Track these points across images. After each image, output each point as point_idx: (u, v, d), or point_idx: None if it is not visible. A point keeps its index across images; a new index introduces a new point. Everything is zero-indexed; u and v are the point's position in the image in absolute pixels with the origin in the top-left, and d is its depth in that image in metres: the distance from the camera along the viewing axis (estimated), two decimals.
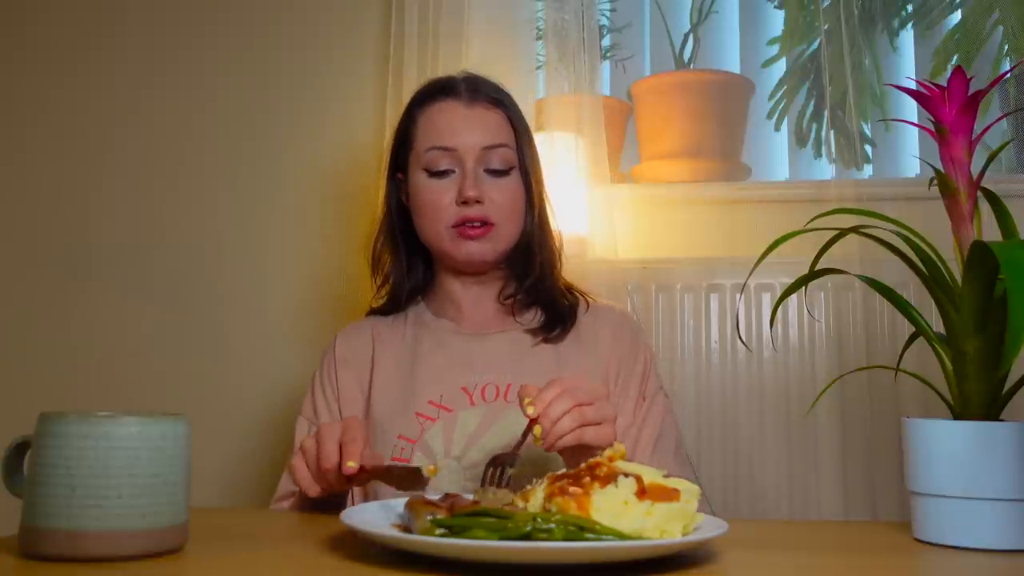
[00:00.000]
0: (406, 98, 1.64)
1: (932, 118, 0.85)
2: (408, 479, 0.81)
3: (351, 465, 0.89)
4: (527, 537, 0.64)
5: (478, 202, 1.16)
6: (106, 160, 1.84)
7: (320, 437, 0.93)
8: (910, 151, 1.81)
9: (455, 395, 1.15)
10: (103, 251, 1.81)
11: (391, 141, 1.28)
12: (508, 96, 1.24)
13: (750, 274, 1.00)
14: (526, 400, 0.90)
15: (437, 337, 1.22)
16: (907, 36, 1.89)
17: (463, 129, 1.17)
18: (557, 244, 1.26)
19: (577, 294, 1.27)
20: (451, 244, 1.17)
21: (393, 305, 1.26)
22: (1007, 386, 0.81)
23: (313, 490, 0.95)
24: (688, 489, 0.70)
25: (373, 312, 1.28)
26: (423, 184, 1.18)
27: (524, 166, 1.21)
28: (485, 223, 1.17)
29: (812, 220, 0.93)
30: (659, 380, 1.24)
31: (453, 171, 1.17)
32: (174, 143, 1.83)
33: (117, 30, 1.87)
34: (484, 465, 0.95)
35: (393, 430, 1.14)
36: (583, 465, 0.73)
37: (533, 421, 0.89)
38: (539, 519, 0.65)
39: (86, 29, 1.87)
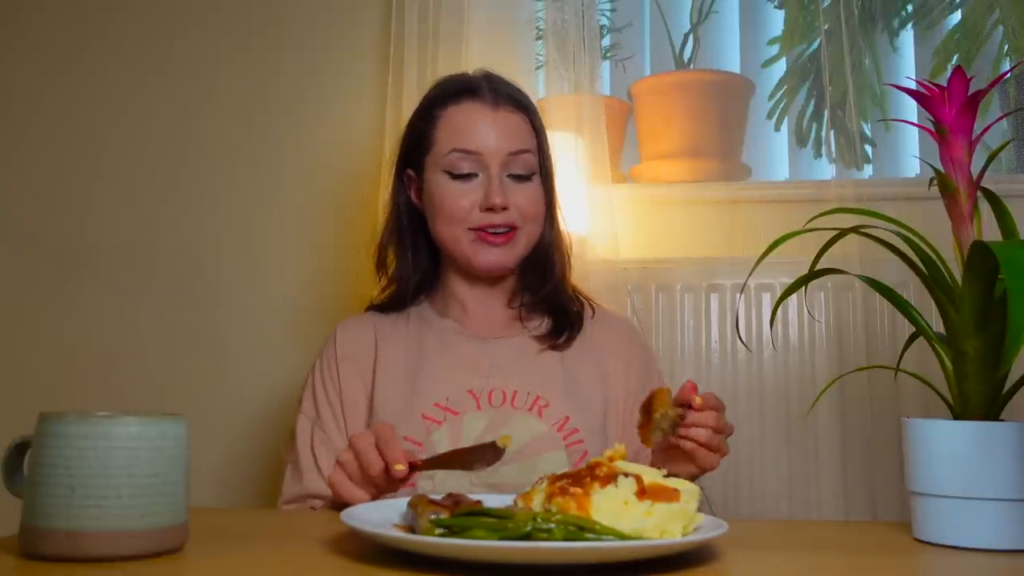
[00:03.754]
0: (406, 98, 1.67)
1: (932, 118, 0.85)
2: (482, 456, 0.80)
3: (399, 468, 0.90)
4: (527, 537, 0.64)
5: (504, 209, 1.15)
6: (104, 160, 1.84)
7: (357, 447, 0.94)
8: (910, 151, 1.81)
9: (461, 398, 1.14)
10: (102, 251, 1.81)
11: (402, 137, 1.26)
12: (529, 99, 1.23)
13: (750, 274, 1.00)
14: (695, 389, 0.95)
15: (442, 337, 1.21)
16: (907, 36, 1.89)
17: (488, 133, 1.16)
18: (568, 250, 1.26)
19: (583, 299, 1.26)
20: (470, 248, 1.17)
21: (398, 303, 1.25)
22: (1007, 386, 0.81)
23: (361, 500, 0.94)
24: (688, 489, 0.70)
25: (374, 308, 1.27)
26: (443, 186, 1.17)
27: (545, 171, 1.21)
28: (509, 228, 1.17)
29: (812, 220, 0.93)
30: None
31: (476, 175, 1.16)
32: (172, 142, 1.83)
33: (114, 29, 1.87)
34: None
35: (398, 431, 1.13)
36: (583, 465, 0.73)
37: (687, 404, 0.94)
38: (539, 519, 0.65)
39: (84, 28, 1.87)
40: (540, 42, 1.77)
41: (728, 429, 0.98)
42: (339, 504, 0.96)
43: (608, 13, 1.85)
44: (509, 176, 1.17)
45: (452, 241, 1.18)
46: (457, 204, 1.16)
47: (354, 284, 1.71)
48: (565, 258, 1.25)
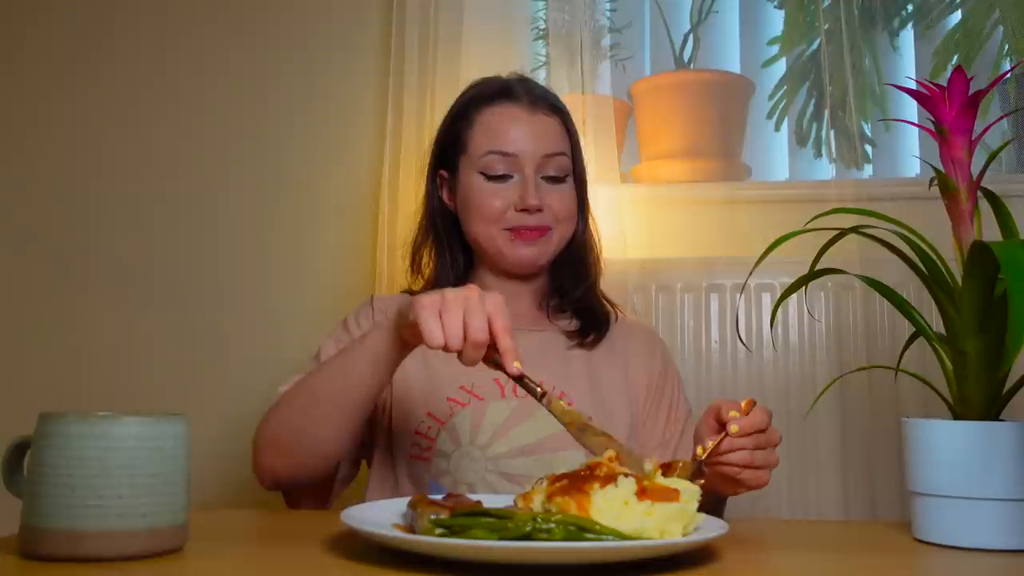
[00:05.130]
0: (407, 99, 1.67)
1: (932, 118, 0.85)
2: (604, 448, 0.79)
3: (518, 366, 0.85)
4: (527, 537, 0.64)
5: (539, 210, 1.17)
6: (105, 160, 1.83)
7: (470, 305, 0.85)
8: (910, 151, 1.81)
9: (487, 384, 1.15)
10: (102, 251, 1.81)
11: (435, 139, 1.28)
12: (562, 102, 1.26)
13: (750, 274, 1.00)
14: (732, 412, 0.89)
15: None
16: (907, 36, 1.89)
17: (525, 136, 1.18)
18: (598, 250, 1.28)
19: (609, 303, 1.28)
20: (505, 245, 1.19)
21: None
22: (1007, 386, 0.81)
23: (437, 342, 0.84)
24: (688, 489, 0.70)
25: (410, 293, 1.27)
26: (479, 186, 1.19)
27: (577, 173, 1.24)
28: (543, 229, 1.18)
29: (812, 220, 0.93)
30: (687, 403, 1.26)
31: (511, 176, 1.18)
32: (174, 143, 1.83)
33: (116, 31, 1.87)
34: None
35: (421, 407, 1.14)
36: (583, 465, 0.73)
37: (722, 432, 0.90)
38: (539, 519, 0.65)
39: (85, 30, 1.87)
40: (540, 42, 1.77)
41: (774, 441, 0.93)
42: (399, 324, 0.90)
43: (608, 13, 1.85)
44: (543, 178, 1.19)
45: (487, 240, 1.20)
46: (492, 205, 1.18)
47: (355, 283, 1.72)
48: (596, 259, 1.28)
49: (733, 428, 0.88)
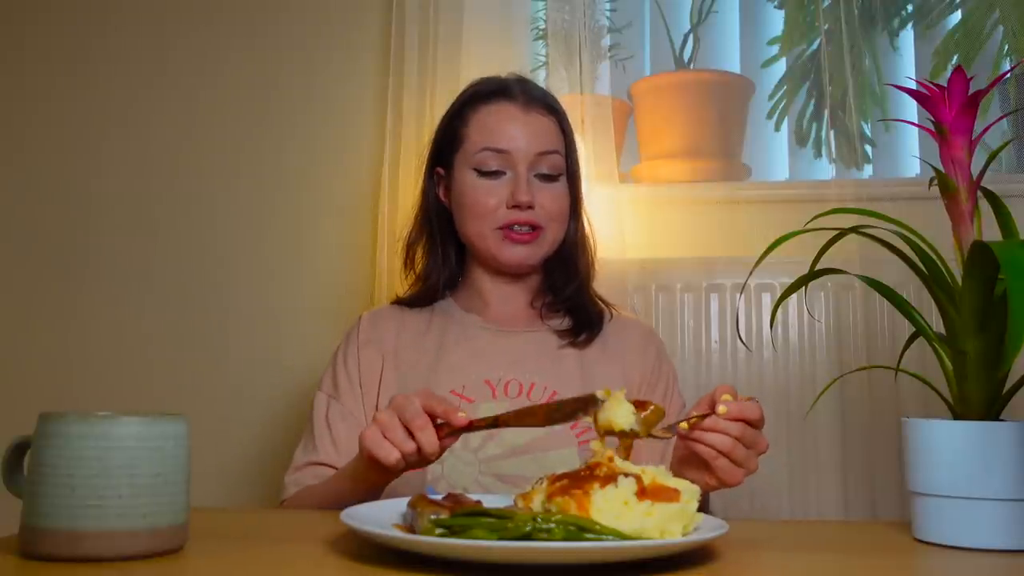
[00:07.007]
0: (407, 99, 1.67)
1: (932, 118, 0.85)
2: (569, 410, 0.78)
3: (463, 415, 0.85)
4: (527, 537, 0.64)
5: (530, 207, 1.18)
6: (106, 159, 1.83)
7: (399, 402, 0.88)
8: (910, 151, 1.81)
9: (478, 387, 1.15)
10: (102, 251, 1.81)
11: (433, 136, 1.29)
12: (559, 103, 1.26)
13: (750, 274, 1.00)
14: (725, 396, 0.89)
15: (464, 330, 1.23)
16: (907, 36, 1.89)
17: (518, 133, 1.19)
18: (592, 251, 1.29)
19: (602, 303, 1.28)
20: (496, 245, 1.19)
21: (426, 299, 1.26)
22: (1007, 386, 0.81)
23: (392, 458, 0.87)
24: (688, 489, 0.70)
25: (399, 302, 1.28)
26: (472, 183, 1.20)
27: (571, 173, 1.24)
28: (534, 227, 1.19)
29: (812, 220, 0.93)
30: (682, 399, 1.25)
31: (504, 173, 1.19)
32: (173, 143, 1.83)
33: (117, 30, 1.87)
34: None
35: None
36: (583, 465, 0.73)
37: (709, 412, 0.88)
38: (539, 519, 0.65)
39: (85, 29, 1.87)
40: (540, 42, 1.77)
41: (760, 445, 0.90)
42: (363, 464, 0.92)
43: (608, 13, 1.85)
44: (536, 176, 1.20)
45: (479, 238, 1.20)
46: (485, 201, 1.18)
47: (356, 284, 1.72)
48: (589, 259, 1.28)
49: (721, 408, 0.87)
